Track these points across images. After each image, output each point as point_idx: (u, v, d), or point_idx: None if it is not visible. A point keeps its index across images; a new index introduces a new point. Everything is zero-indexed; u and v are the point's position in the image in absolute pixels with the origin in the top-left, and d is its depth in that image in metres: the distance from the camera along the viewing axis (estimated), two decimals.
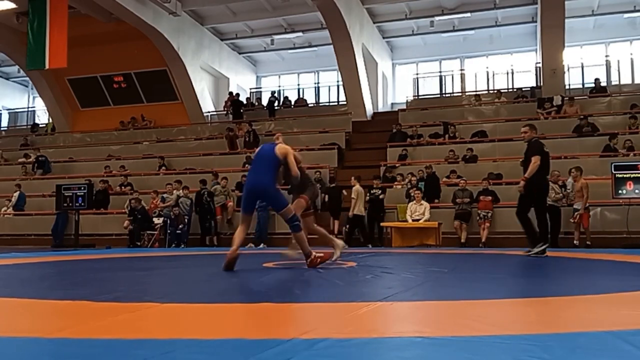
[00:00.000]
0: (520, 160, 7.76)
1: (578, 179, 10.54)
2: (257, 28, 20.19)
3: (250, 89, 22.41)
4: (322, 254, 5.49)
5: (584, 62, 19.02)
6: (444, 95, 20.12)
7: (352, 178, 12.13)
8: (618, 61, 18.77)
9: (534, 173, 7.00)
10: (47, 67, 14.69)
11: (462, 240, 11.28)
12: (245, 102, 20.63)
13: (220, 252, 8.30)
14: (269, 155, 5.46)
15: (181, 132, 19.03)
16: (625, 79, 18.29)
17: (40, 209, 14.83)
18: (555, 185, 10.65)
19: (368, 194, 12.17)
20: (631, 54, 18.79)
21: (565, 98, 15.44)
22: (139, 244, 12.47)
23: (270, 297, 3.42)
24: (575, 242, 10.47)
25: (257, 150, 5.86)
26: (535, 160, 7.01)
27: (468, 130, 15.23)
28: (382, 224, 11.92)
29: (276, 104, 19.85)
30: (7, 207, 14.97)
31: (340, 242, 6.09)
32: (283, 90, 22.27)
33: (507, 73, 19.67)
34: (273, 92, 20.56)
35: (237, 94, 19.99)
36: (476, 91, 18.95)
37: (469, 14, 18.56)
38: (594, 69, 18.60)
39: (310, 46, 21.43)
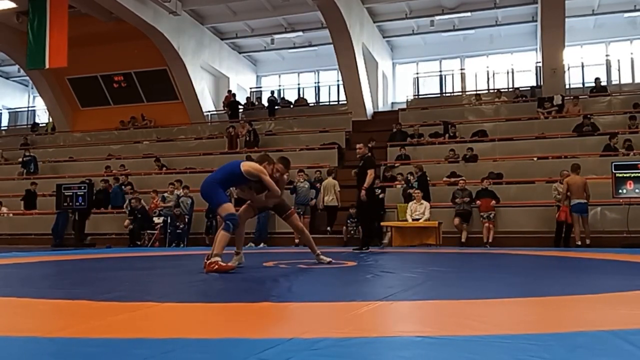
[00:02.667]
0: (354, 171, 9.28)
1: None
2: (257, 27, 20.19)
3: (251, 88, 22.41)
4: (221, 265, 5.08)
5: (584, 62, 19.01)
6: (444, 94, 20.12)
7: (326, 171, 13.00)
8: (618, 60, 18.77)
9: (370, 183, 8.36)
10: (47, 66, 14.69)
11: (463, 240, 11.28)
12: (245, 101, 20.64)
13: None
14: (231, 165, 5.54)
15: (181, 132, 19.03)
16: (626, 79, 18.28)
17: (40, 208, 14.83)
18: (560, 186, 10.63)
19: None
20: (631, 53, 18.78)
21: (570, 97, 15.46)
22: (139, 243, 12.48)
23: (270, 296, 3.43)
24: (577, 242, 10.48)
25: None
26: (371, 173, 8.32)
27: (468, 130, 15.23)
28: (382, 223, 11.91)
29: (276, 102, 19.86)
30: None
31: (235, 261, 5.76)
32: (283, 89, 22.27)
33: (508, 72, 19.67)
34: (272, 92, 20.55)
35: (234, 94, 19.98)
36: (476, 91, 18.95)
37: (469, 14, 18.55)
38: (594, 68, 18.59)
39: (310, 45, 21.42)
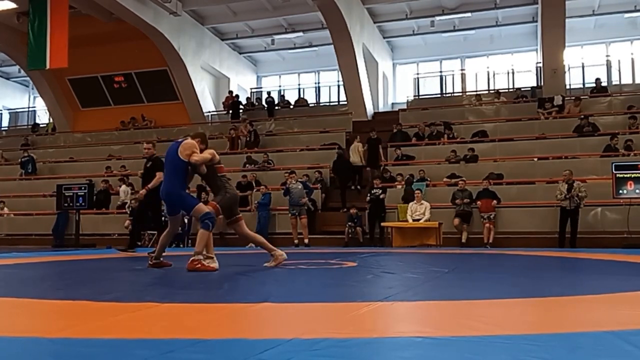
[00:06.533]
0: (140, 172, 9.02)
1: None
2: (258, 28, 20.19)
3: (251, 88, 22.40)
4: (204, 265, 5.22)
5: (585, 62, 19.01)
6: (444, 95, 20.11)
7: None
8: (619, 61, 18.77)
9: (156, 186, 7.93)
10: (47, 67, 14.69)
11: (463, 241, 11.27)
12: (245, 102, 20.63)
13: (220, 252, 8.31)
14: (172, 158, 5.42)
15: (182, 132, 18.92)
16: (626, 79, 18.28)
17: (40, 208, 14.82)
18: (563, 186, 10.59)
19: (369, 194, 12.18)
20: (632, 53, 18.77)
21: (571, 98, 15.47)
22: (139, 244, 12.45)
23: (270, 297, 3.42)
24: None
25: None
26: (160, 176, 7.86)
27: (469, 130, 15.22)
28: (382, 223, 11.92)
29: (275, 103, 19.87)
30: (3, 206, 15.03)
31: (279, 253, 5.78)
32: (284, 90, 22.26)
33: (508, 73, 19.66)
34: (269, 93, 20.54)
35: (237, 95, 19.98)
36: (477, 91, 18.94)
37: (469, 14, 18.55)
38: (594, 68, 18.59)
39: (310, 46, 21.42)
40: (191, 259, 5.24)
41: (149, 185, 8.11)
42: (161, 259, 5.84)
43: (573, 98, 15.49)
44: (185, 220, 12.47)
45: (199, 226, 5.43)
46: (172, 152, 5.41)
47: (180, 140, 5.55)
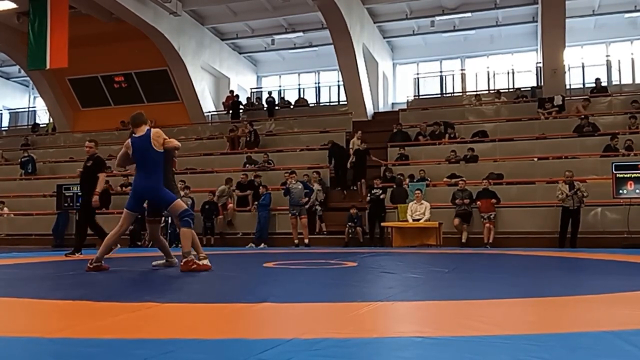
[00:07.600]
0: (80, 171, 8.66)
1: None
2: (258, 28, 20.19)
3: (251, 88, 22.41)
4: (199, 265, 5.20)
5: (585, 62, 19.00)
6: (444, 95, 20.11)
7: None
8: (619, 61, 18.76)
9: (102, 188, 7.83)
10: (48, 67, 14.70)
11: (463, 241, 11.28)
12: (245, 102, 20.64)
13: (220, 252, 8.31)
14: (147, 151, 5.18)
15: (182, 132, 19.01)
16: (626, 79, 18.28)
17: (40, 208, 14.82)
18: (565, 186, 10.59)
19: (369, 194, 12.19)
20: (632, 53, 18.76)
21: (578, 97, 15.53)
22: (139, 244, 12.48)
23: (270, 297, 3.42)
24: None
25: (130, 142, 5.32)
26: (103, 177, 7.96)
27: (469, 130, 15.22)
28: (382, 223, 11.92)
29: (275, 103, 19.88)
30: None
31: (174, 260, 5.78)
32: (284, 90, 22.27)
33: (508, 73, 19.66)
34: (270, 93, 20.54)
35: (237, 95, 19.99)
36: (477, 91, 18.95)
37: (469, 14, 18.54)
38: (594, 68, 18.58)
39: (310, 46, 21.42)
40: (184, 260, 5.21)
41: (97, 190, 7.85)
42: (102, 262, 5.49)
43: (581, 98, 15.50)
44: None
45: (179, 224, 5.33)
46: (145, 146, 5.18)
47: (146, 133, 5.25)
